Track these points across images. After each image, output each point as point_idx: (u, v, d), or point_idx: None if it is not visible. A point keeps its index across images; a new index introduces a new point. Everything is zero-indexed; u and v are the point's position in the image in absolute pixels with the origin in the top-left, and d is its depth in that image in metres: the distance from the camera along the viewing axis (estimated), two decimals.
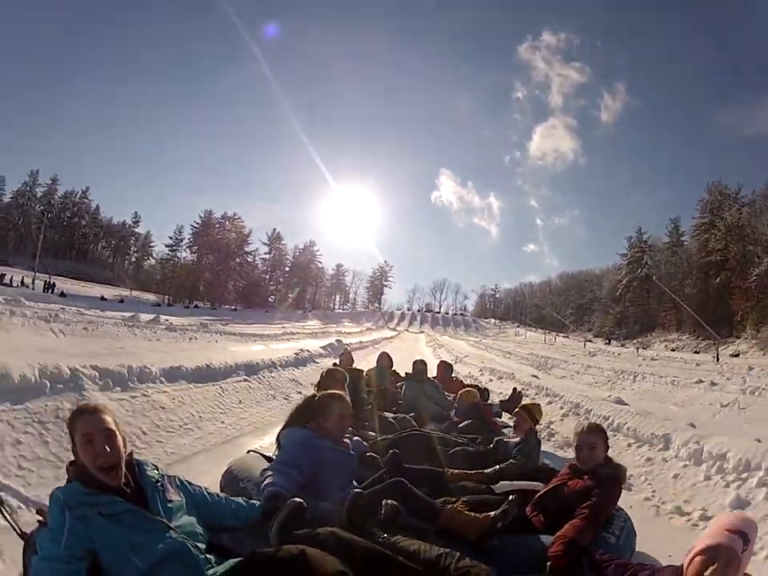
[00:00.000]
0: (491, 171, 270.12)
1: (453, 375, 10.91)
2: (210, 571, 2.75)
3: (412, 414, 7.69)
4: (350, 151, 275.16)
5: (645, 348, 73.20)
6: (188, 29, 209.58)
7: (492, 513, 3.81)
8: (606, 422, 9.81)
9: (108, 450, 2.69)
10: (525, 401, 9.08)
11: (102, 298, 74.10)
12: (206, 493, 3.29)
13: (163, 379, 8.82)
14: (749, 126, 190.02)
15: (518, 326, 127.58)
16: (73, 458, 2.84)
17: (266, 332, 39.03)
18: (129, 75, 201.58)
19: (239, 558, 2.81)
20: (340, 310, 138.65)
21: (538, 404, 6.77)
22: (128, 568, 2.54)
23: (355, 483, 4.25)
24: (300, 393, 11.87)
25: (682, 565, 2.59)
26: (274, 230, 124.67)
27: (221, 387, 10.37)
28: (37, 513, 2.87)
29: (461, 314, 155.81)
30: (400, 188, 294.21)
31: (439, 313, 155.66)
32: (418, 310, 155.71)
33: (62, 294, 62.68)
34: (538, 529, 4.09)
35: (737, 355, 62.88)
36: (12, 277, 70.77)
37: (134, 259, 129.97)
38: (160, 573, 2.59)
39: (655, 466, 7.85)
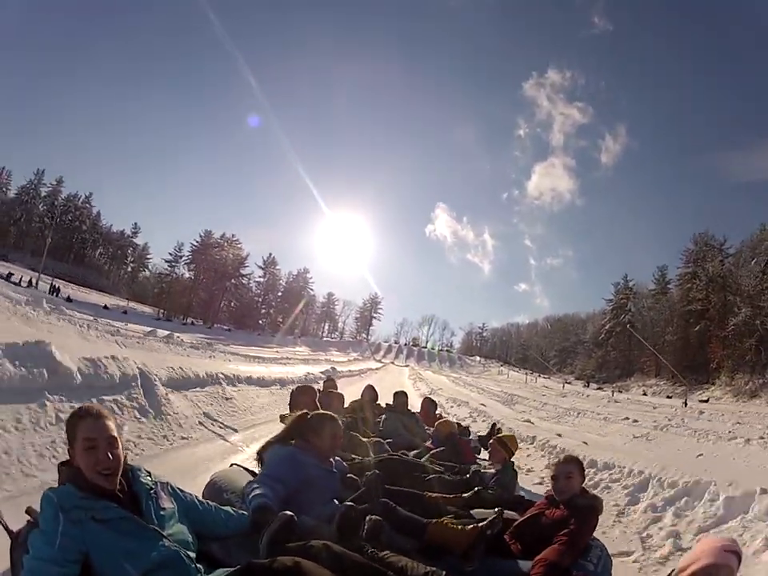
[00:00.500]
0: (488, 207, 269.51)
1: (437, 412, 10.93)
2: None
3: (388, 441, 7.71)
4: (346, 180, 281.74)
5: (621, 392, 75.64)
6: (191, 48, 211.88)
7: (479, 524, 4.00)
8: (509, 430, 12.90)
9: (110, 457, 2.75)
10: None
11: (105, 307, 75.61)
12: (196, 501, 3.38)
13: (225, 383, 12.88)
14: (753, 170, 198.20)
15: (501, 366, 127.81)
16: (67, 457, 2.90)
17: (263, 355, 40.76)
18: (140, 87, 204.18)
19: (230, 569, 2.88)
20: (328, 338, 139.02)
21: (513, 435, 7.04)
22: (120, 574, 2.60)
23: (336, 502, 4.31)
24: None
25: None
26: (270, 254, 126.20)
27: (269, 391, 15.79)
28: (26, 512, 2.87)
29: (447, 350, 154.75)
30: (395, 220, 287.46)
31: (425, 348, 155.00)
32: (405, 344, 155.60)
33: (69, 299, 63.50)
34: (515, 555, 4.21)
35: (706, 401, 65.44)
36: (21, 277, 70.90)
37: (129, 269, 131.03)
38: None
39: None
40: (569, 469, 4.46)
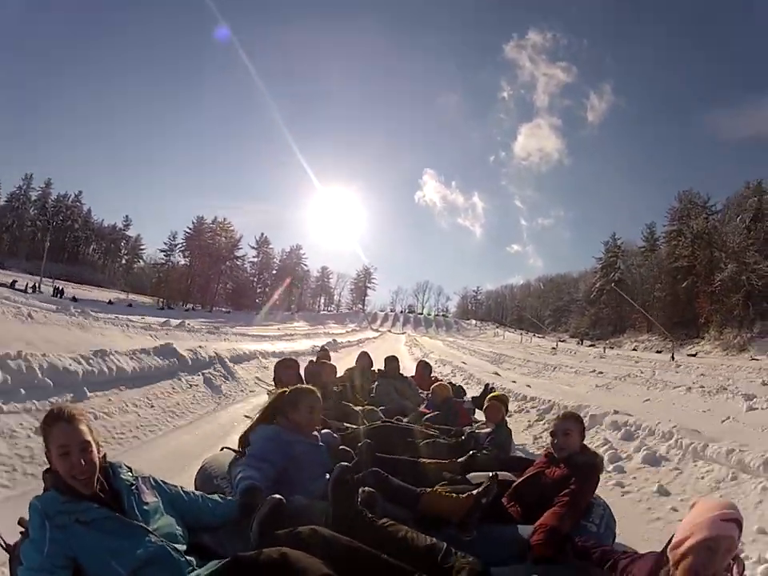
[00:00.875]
0: (475, 171, 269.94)
1: (431, 375, 11.01)
2: (192, 574, 2.82)
3: (381, 408, 7.75)
4: (335, 151, 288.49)
5: (613, 348, 77.35)
6: (177, 28, 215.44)
7: (474, 491, 3.89)
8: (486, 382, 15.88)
9: (83, 463, 2.74)
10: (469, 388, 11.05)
11: (110, 302, 76.81)
12: (181, 492, 3.36)
13: (261, 358, 17.36)
14: (739, 128, 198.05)
15: (497, 328, 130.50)
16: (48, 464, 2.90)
17: (268, 333, 42.68)
18: (116, 76, 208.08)
19: (221, 560, 2.83)
20: (325, 312, 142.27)
21: (506, 395, 7.04)
22: (108, 573, 2.62)
23: (328, 476, 4.10)
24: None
25: (665, 552, 2.66)
26: (262, 234, 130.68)
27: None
28: (18, 524, 2.89)
29: (443, 315, 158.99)
30: (384, 189, 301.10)
31: (422, 314, 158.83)
32: (401, 312, 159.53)
33: (74, 299, 63.74)
34: (515, 519, 4.13)
35: (694, 354, 66.83)
36: (27, 283, 70.17)
37: (123, 261, 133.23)
38: None
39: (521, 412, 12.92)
40: (567, 425, 4.44)
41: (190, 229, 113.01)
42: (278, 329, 62.39)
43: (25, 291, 59.06)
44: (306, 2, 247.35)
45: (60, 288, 77.20)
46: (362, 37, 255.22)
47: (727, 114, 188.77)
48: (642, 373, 26.32)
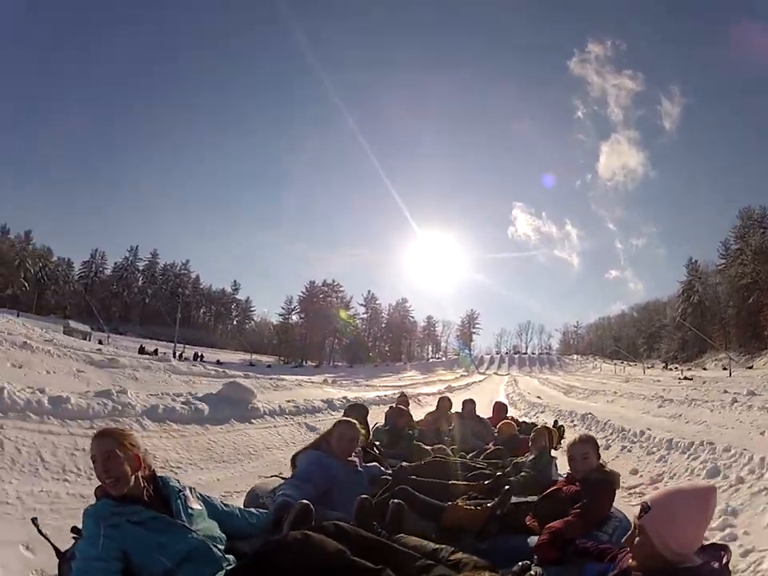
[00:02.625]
0: (564, 198, 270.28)
1: (508, 415, 11.13)
2: (229, 567, 3.16)
3: (453, 447, 8.12)
4: (427, 194, 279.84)
5: (691, 369, 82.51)
6: (274, 80, 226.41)
7: (490, 503, 4.39)
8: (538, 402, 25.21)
9: (105, 471, 3.14)
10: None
11: (251, 364, 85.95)
12: (221, 504, 3.83)
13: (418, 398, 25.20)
14: None
15: (594, 360, 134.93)
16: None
17: (398, 383, 50.10)
18: (212, 141, 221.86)
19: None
20: (434, 359, 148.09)
21: (556, 429, 7.95)
22: (156, 566, 2.98)
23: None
24: None
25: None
26: (369, 291, 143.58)
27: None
28: (71, 531, 3.35)
29: (546, 353, 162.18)
30: (477, 229, 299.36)
31: (525, 354, 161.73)
32: (506, 353, 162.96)
33: (218, 362, 69.43)
34: (534, 532, 4.37)
35: (751, 367, 74.32)
36: (167, 352, 71.65)
37: (234, 322, 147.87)
38: (184, 568, 3.03)
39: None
40: (584, 450, 4.66)
41: (304, 293, 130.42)
42: (399, 378, 71.57)
43: (176, 359, 60.37)
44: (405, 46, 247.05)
45: (201, 354, 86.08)
46: (414, 78, 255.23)
47: None
48: (669, 392, 30.35)
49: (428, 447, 7.63)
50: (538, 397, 34.35)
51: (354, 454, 5.09)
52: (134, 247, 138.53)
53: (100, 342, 57.35)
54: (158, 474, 3.46)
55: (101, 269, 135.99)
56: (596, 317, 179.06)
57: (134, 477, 3.23)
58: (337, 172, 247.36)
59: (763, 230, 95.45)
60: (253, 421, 12.04)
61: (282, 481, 4.86)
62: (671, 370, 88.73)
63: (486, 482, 5.34)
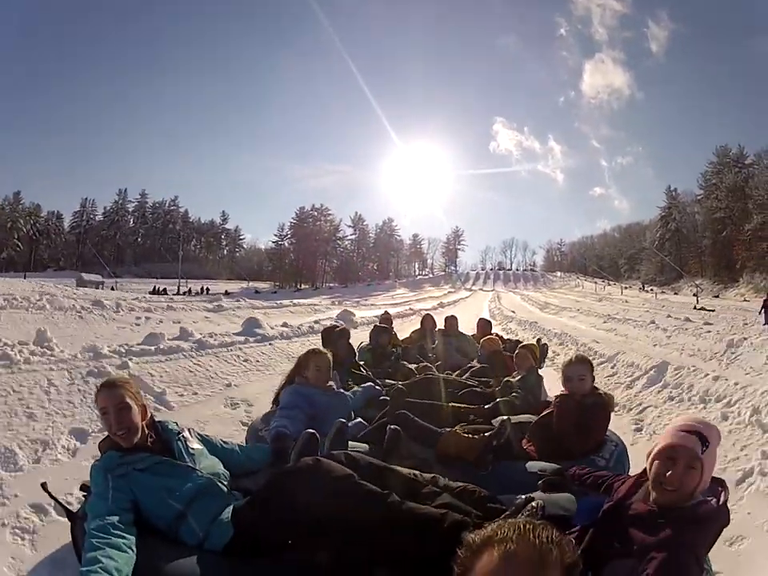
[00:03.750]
0: (546, 115, 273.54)
1: (493, 331, 10.69)
2: (236, 502, 3.23)
3: (438, 363, 8.37)
4: (410, 109, 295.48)
5: (664, 293, 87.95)
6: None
7: (487, 433, 4.36)
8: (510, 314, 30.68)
9: (119, 422, 3.16)
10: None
11: (256, 292, 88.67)
12: (220, 442, 3.88)
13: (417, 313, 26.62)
14: None
15: (577, 278, 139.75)
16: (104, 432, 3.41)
17: (391, 302, 51.80)
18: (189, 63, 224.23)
19: None
20: (421, 276, 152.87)
21: (535, 345, 7.39)
22: (166, 509, 3.06)
23: (360, 419, 5.06)
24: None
25: (645, 469, 2.73)
26: (356, 213, 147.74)
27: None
28: (81, 489, 3.41)
29: (530, 270, 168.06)
30: (459, 145, 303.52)
31: (510, 270, 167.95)
32: (491, 269, 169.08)
33: (227, 293, 70.00)
34: (531, 457, 4.44)
35: (717, 296, 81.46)
36: (190, 288, 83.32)
37: (225, 252, 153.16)
38: (193, 508, 3.09)
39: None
40: (581, 371, 4.65)
41: (294, 219, 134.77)
42: (392, 296, 73.69)
43: (183, 294, 67.09)
44: None
45: (207, 288, 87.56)
46: None
47: None
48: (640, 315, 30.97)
49: (412, 366, 7.90)
50: (512, 311, 37.72)
51: (329, 380, 5.20)
52: (123, 190, 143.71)
53: (112, 289, 58.52)
54: (157, 420, 3.53)
55: (92, 216, 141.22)
56: (581, 234, 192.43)
57: (142, 426, 3.31)
58: (319, 89, 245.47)
59: (738, 168, 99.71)
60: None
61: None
62: (647, 291, 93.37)
63: (485, 406, 5.59)
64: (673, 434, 2.57)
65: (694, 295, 69.90)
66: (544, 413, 4.87)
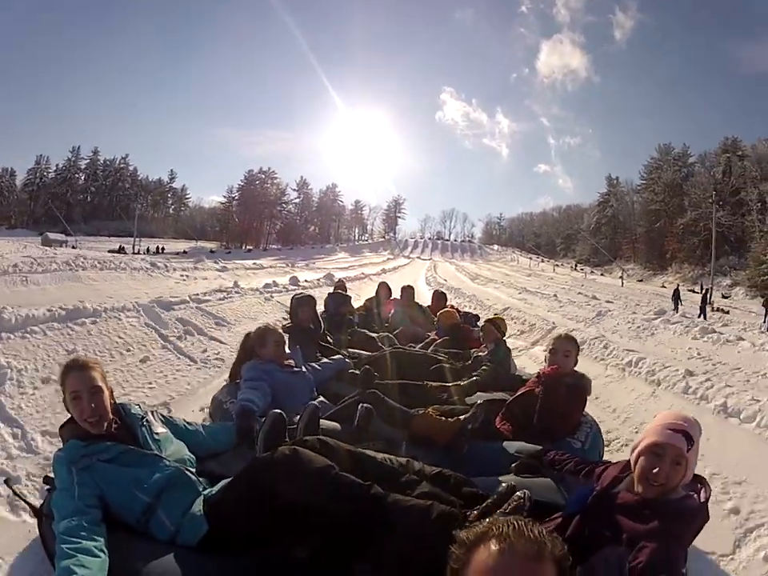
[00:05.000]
0: (497, 89, 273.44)
1: (448, 304, 10.98)
2: (205, 491, 3.15)
3: (396, 332, 8.51)
4: (355, 73, 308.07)
5: (603, 275, 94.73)
6: None
7: (462, 416, 4.27)
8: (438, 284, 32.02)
9: (93, 406, 3.04)
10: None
11: (211, 251, 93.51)
12: (185, 423, 3.78)
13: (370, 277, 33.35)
14: (762, 62, 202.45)
15: (513, 252, 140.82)
16: (65, 419, 3.26)
17: (339, 266, 54.21)
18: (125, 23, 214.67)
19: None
20: (360, 242, 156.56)
21: (503, 318, 7.34)
22: (134, 502, 2.95)
23: (322, 399, 5.00)
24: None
25: (629, 460, 2.82)
26: (302, 177, 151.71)
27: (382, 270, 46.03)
28: (44, 482, 3.30)
29: (468, 241, 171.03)
30: (406, 114, 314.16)
31: (448, 240, 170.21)
32: (429, 238, 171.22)
33: (185, 252, 76.13)
34: (505, 437, 4.45)
35: (641, 281, 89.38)
36: (148, 247, 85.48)
37: (171, 211, 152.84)
38: (163, 500, 3.00)
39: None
40: (568, 347, 4.79)
41: (243, 182, 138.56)
42: (336, 260, 77.13)
43: (139, 253, 69.04)
44: None
45: (162, 247, 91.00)
46: None
47: (750, 47, 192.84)
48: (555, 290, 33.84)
49: (374, 335, 8.08)
50: (445, 280, 41.02)
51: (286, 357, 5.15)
52: (76, 147, 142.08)
53: (73, 248, 60.66)
54: (118, 402, 3.38)
55: (46, 173, 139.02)
56: (521, 208, 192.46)
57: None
58: (265, 54, 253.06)
59: (678, 167, 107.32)
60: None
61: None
62: (579, 271, 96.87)
63: (462, 383, 5.65)
64: (660, 431, 2.64)
65: (620, 278, 75.52)
66: (521, 391, 4.92)
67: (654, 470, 2.56)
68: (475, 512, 2.80)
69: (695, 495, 2.62)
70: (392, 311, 9.90)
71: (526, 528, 1.59)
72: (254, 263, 38.44)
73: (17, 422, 4.65)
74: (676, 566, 2.36)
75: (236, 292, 14.65)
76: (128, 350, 7.54)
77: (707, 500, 2.61)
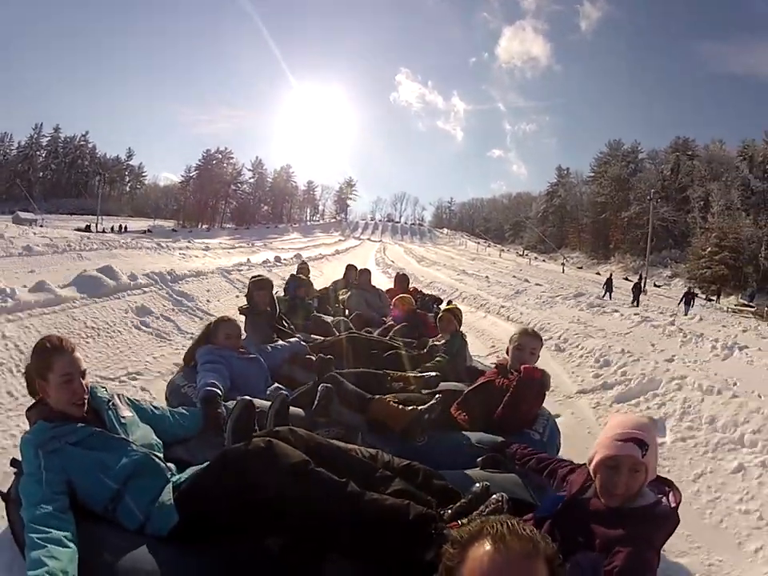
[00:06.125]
0: (454, 72, 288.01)
1: (411, 286, 11.22)
2: (174, 478, 3.11)
3: (351, 317, 8.62)
4: (310, 49, 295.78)
5: (546, 261, 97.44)
6: None
7: (420, 407, 4.22)
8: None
9: (82, 389, 3.04)
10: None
11: (173, 230, 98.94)
12: (151, 407, 3.72)
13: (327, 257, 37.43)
14: (728, 64, 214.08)
15: (462, 237, 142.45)
16: (30, 404, 3.19)
17: (293, 246, 57.39)
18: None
19: (200, 466, 3.09)
20: (312, 222, 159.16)
21: (459, 308, 7.19)
22: (101, 489, 2.89)
23: (277, 385, 5.02)
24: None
25: (585, 464, 2.89)
26: (257, 157, 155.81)
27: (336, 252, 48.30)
28: (11, 465, 3.09)
29: (419, 225, 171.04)
30: (361, 93, 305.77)
31: (399, 223, 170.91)
32: (380, 220, 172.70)
33: (149, 231, 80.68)
34: (462, 427, 4.46)
35: (581, 268, 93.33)
36: (112, 226, 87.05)
37: (127, 189, 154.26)
38: (130, 487, 2.94)
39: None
40: (535, 344, 4.78)
41: (200, 162, 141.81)
42: (291, 240, 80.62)
43: (104, 232, 69.55)
44: None
45: (125, 226, 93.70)
46: None
47: (718, 48, 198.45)
48: (488, 270, 41.37)
49: (329, 319, 8.23)
50: (392, 261, 43.67)
51: (240, 346, 5.17)
52: (39, 125, 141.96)
53: (41, 226, 60.09)
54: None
55: (9, 150, 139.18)
56: (474, 193, 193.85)
57: None
58: (219, 30, 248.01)
59: (626, 163, 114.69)
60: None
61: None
62: (524, 257, 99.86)
63: (424, 376, 5.38)
64: (610, 444, 2.65)
65: (562, 264, 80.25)
66: (479, 381, 4.91)
67: (613, 483, 2.62)
68: (449, 511, 2.92)
69: (664, 499, 2.67)
70: (348, 294, 10.07)
71: (519, 527, 1.65)
72: (222, 243, 41.96)
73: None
74: (650, 569, 2.44)
75: (249, 266, 19.75)
76: (227, 292, 13.37)
77: (677, 505, 2.66)
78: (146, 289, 10.33)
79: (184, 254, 25.50)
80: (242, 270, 17.31)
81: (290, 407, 4.15)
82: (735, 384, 7.32)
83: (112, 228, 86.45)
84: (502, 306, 15.38)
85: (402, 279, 11.17)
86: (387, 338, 7.12)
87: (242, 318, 6.40)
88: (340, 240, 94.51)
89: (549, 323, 12.03)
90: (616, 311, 15.61)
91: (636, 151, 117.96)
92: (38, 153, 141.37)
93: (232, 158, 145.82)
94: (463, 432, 4.38)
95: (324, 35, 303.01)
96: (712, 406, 6.24)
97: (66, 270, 14.26)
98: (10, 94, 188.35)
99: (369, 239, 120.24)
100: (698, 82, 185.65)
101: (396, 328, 7.71)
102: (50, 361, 3.01)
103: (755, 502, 4.62)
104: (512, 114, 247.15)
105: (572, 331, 10.90)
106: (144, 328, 8.50)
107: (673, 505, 2.64)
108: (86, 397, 3.11)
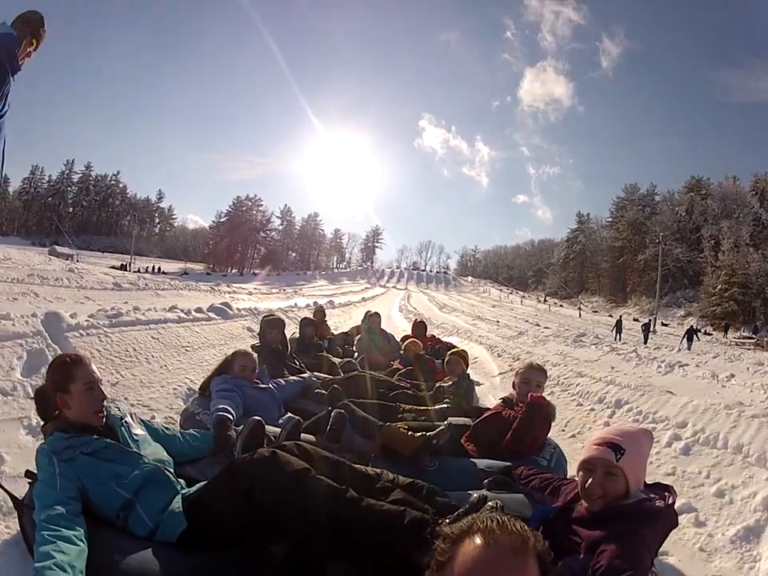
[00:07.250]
0: (478, 116, 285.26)
1: (428, 333, 11.29)
2: (183, 491, 3.21)
3: (359, 359, 8.60)
4: (335, 97, 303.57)
5: (564, 306, 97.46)
6: None
7: (430, 433, 4.33)
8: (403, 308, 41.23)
9: (103, 397, 3.20)
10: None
11: (207, 274, 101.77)
12: (162, 427, 3.84)
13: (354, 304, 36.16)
14: (750, 91, 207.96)
15: (486, 284, 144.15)
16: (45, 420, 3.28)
17: (322, 293, 56.65)
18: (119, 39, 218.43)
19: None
20: (339, 270, 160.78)
21: (466, 351, 7.36)
22: (113, 497, 2.99)
23: (290, 415, 5.02)
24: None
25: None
26: (285, 205, 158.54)
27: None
28: (26, 475, 3.18)
29: (444, 273, 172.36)
30: (385, 137, 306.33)
31: (424, 271, 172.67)
32: (406, 268, 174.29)
33: (185, 273, 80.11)
34: (472, 456, 4.55)
35: (596, 312, 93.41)
36: (147, 267, 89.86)
37: (157, 230, 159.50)
38: (141, 496, 3.04)
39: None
40: (539, 378, 4.90)
41: (231, 208, 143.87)
42: (317, 288, 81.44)
43: (138, 272, 71.08)
44: None
45: (159, 267, 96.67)
46: None
47: (738, 75, 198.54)
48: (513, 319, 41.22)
49: (336, 360, 8.28)
50: (415, 308, 45.09)
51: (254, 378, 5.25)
52: (70, 161, 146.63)
53: (78, 261, 59.88)
54: None
55: (39, 183, 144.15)
56: (499, 238, 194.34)
57: None
58: (248, 79, 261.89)
59: (642, 206, 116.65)
60: None
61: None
62: (545, 303, 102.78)
63: (434, 408, 5.57)
64: (588, 448, 2.80)
65: (578, 309, 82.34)
66: (487, 413, 5.07)
67: (587, 484, 2.71)
68: (447, 520, 2.86)
69: (655, 498, 2.72)
70: (358, 337, 10.12)
71: (509, 522, 1.63)
72: (258, 288, 43.75)
73: None
74: (639, 561, 2.44)
75: (298, 308, 20.98)
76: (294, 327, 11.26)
77: (672, 504, 2.73)
78: (246, 317, 12.95)
79: (233, 297, 27.03)
80: (294, 311, 19.03)
81: (302, 434, 4.36)
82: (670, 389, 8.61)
83: (146, 269, 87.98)
84: (497, 345, 16.74)
85: (419, 326, 11.19)
86: (394, 378, 7.19)
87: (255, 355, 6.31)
88: (366, 288, 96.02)
89: (533, 355, 13.65)
90: (594, 345, 17.98)
91: (651, 194, 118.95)
92: (69, 188, 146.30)
93: (261, 204, 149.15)
94: (472, 459, 4.50)
95: (349, 82, 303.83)
96: (648, 402, 7.80)
97: (150, 303, 16.02)
98: (42, 129, 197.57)
99: (394, 287, 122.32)
100: (715, 109, 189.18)
101: (401, 371, 7.75)
102: (71, 372, 3.16)
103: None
104: (536, 157, 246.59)
105: (551, 361, 12.39)
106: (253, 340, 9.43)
107: (662, 503, 2.72)
108: (106, 404, 3.29)
